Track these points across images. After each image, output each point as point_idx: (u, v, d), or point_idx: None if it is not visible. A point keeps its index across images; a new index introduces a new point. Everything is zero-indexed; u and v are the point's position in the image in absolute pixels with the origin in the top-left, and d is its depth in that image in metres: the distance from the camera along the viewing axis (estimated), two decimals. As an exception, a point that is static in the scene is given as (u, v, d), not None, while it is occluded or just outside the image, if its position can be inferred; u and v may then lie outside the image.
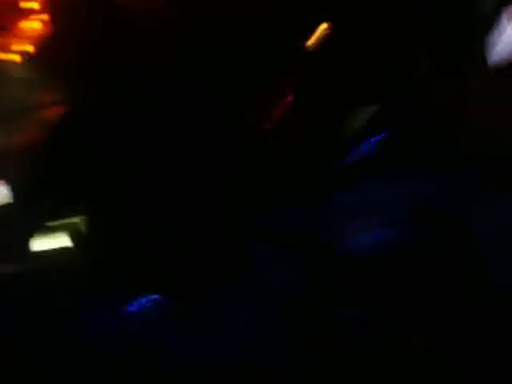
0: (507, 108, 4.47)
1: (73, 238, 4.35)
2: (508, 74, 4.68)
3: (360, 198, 4.42)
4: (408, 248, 4.05)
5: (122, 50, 4.49)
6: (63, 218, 4.50)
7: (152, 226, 4.42)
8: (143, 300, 4.22)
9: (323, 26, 5.03)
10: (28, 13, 4.24)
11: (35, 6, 4.30)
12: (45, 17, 4.31)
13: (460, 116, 4.82)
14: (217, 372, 3.77)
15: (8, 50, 4.11)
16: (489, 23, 5.18)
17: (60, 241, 4.48)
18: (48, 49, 4.24)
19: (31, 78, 4.29)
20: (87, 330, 4.12)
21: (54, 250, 4.41)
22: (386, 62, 5.08)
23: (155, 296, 4.24)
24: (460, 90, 4.83)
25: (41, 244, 4.49)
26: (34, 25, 4.23)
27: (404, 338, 3.87)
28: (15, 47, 4.11)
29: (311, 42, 4.95)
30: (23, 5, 4.22)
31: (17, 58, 4.15)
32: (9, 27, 4.17)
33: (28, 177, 4.64)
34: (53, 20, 4.34)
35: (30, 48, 4.17)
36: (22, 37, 4.17)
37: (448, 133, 4.84)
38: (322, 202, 4.44)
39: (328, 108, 4.99)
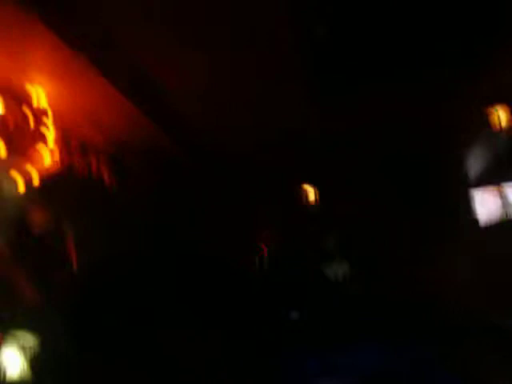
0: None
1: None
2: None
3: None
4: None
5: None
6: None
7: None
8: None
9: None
10: (44, 141, 4.67)
11: (50, 142, 4.78)
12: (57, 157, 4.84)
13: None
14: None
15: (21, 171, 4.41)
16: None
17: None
18: (54, 177, 4.69)
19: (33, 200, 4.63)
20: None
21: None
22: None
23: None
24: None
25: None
26: (46, 160, 4.67)
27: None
28: (26, 169, 4.45)
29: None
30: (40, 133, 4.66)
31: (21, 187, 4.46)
32: (25, 151, 4.50)
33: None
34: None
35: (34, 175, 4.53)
36: (35, 162, 4.55)
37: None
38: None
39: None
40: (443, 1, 4.46)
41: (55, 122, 4.82)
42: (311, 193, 6.25)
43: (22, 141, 4.55)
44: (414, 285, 5.46)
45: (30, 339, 5.14)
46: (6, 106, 4.37)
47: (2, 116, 4.35)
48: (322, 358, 5.06)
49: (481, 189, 5.97)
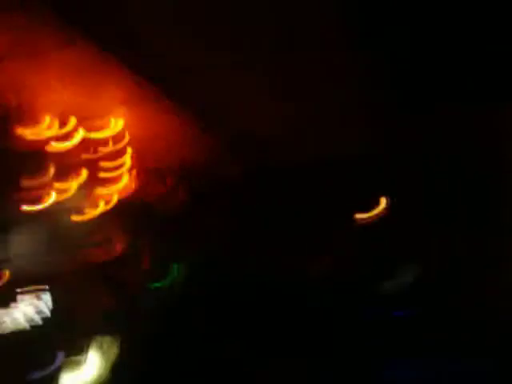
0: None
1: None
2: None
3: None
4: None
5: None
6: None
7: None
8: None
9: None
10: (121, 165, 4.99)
11: (126, 167, 5.07)
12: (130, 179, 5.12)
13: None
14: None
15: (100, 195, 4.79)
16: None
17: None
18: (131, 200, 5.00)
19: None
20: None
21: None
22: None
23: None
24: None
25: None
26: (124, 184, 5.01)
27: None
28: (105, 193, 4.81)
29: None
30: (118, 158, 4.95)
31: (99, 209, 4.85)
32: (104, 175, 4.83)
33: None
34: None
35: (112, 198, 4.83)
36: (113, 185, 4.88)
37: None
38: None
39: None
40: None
41: (131, 147, 5.10)
42: (376, 211, 6.28)
43: (99, 166, 4.83)
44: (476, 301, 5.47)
45: (109, 344, 5.52)
46: (87, 134, 4.65)
47: (83, 143, 4.63)
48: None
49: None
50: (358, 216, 6.12)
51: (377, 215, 6.12)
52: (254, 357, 5.16)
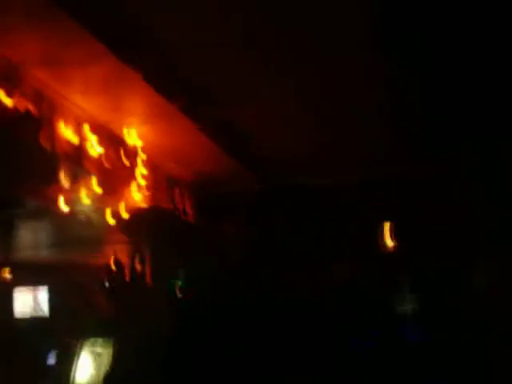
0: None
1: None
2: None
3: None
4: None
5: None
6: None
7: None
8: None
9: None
10: (134, 178, 5.03)
11: (141, 180, 5.09)
12: (146, 192, 5.14)
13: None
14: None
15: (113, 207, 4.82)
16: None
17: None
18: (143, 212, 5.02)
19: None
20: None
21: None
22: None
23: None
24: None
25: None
26: (136, 196, 5.01)
27: None
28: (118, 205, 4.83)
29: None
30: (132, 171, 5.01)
31: (112, 220, 4.83)
32: (117, 188, 4.86)
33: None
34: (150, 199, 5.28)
35: (125, 214, 4.85)
36: (126, 197, 4.92)
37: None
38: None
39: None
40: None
41: (146, 162, 5.13)
42: (391, 231, 6.34)
43: (116, 178, 4.87)
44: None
45: (102, 346, 5.55)
46: (102, 146, 4.67)
47: (99, 156, 4.66)
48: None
49: None
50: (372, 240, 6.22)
51: (393, 240, 6.20)
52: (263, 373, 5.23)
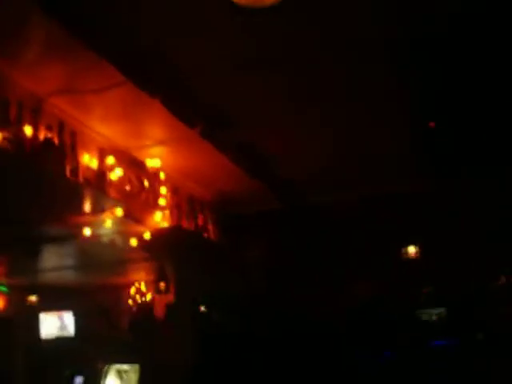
0: None
1: None
2: None
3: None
4: None
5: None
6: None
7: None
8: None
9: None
10: (156, 201, 5.10)
11: (163, 202, 5.15)
12: (167, 213, 5.20)
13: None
14: None
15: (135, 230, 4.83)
16: None
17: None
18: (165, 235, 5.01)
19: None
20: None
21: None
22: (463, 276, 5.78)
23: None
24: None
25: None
26: (157, 217, 5.05)
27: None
28: (140, 228, 4.85)
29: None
30: (154, 194, 5.08)
31: (134, 241, 4.83)
32: (140, 211, 4.90)
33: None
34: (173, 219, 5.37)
35: (147, 235, 4.87)
36: (146, 225, 4.93)
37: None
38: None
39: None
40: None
41: (167, 184, 5.21)
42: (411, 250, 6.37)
43: (137, 200, 4.94)
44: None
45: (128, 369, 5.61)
46: (123, 170, 4.75)
47: (121, 179, 4.73)
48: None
49: None
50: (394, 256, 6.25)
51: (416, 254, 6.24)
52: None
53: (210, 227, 6.01)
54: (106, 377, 5.75)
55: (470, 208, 5.84)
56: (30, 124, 3.88)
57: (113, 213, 4.56)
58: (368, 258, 6.12)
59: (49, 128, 4.08)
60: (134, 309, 5.73)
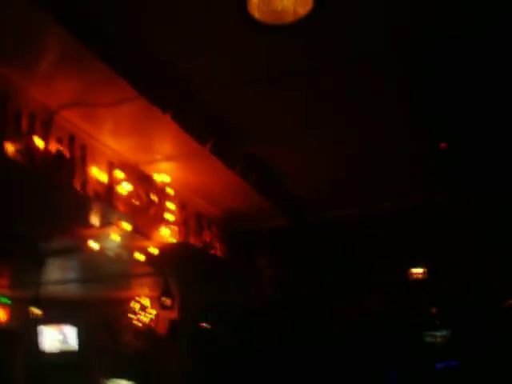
0: None
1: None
2: None
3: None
4: None
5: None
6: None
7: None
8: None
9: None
10: (164, 216, 5.08)
11: (171, 218, 5.12)
12: (175, 229, 5.16)
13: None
14: None
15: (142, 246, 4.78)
16: None
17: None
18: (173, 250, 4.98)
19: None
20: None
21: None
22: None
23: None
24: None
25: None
26: (164, 233, 5.02)
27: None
28: (147, 244, 4.80)
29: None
30: (162, 209, 5.06)
31: (140, 256, 4.75)
32: (147, 226, 4.85)
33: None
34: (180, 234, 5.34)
35: (154, 250, 4.79)
36: (153, 240, 4.87)
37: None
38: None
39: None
40: None
41: (175, 199, 5.19)
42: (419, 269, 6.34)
43: (145, 215, 4.91)
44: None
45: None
46: (131, 184, 4.74)
47: (129, 194, 4.72)
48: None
49: None
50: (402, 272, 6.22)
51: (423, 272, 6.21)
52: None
53: (217, 244, 5.99)
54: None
55: (478, 227, 5.81)
56: (41, 136, 3.87)
57: (120, 227, 4.55)
58: (374, 274, 6.09)
59: (59, 141, 4.07)
60: (138, 324, 5.69)
